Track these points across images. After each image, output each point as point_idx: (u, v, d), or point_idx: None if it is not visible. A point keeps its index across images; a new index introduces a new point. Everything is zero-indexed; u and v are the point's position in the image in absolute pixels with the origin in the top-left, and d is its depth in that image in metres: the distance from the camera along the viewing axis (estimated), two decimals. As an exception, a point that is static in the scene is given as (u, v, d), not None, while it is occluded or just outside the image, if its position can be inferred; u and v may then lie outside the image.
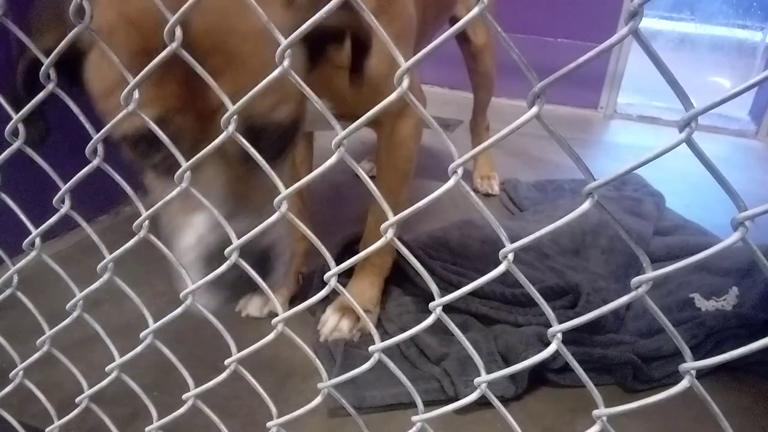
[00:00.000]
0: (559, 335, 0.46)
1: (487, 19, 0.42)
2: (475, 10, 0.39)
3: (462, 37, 1.65)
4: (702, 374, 1.02)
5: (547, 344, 0.46)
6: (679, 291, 1.24)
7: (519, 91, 2.65)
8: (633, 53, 2.72)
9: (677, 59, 4.05)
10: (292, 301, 1.26)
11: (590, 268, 1.33)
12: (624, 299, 0.42)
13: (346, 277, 1.22)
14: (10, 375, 0.77)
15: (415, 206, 0.46)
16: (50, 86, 0.56)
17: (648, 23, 4.31)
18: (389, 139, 1.06)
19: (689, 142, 0.37)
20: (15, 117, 0.60)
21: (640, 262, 0.41)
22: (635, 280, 0.41)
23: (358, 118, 0.45)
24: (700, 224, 1.61)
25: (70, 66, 0.62)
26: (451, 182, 0.43)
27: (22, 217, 0.65)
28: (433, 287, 0.49)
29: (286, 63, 0.45)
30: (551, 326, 0.46)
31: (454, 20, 1.47)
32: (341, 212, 1.70)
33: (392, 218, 0.47)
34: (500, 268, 0.44)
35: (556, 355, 0.46)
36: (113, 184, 0.57)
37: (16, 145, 0.61)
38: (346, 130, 0.46)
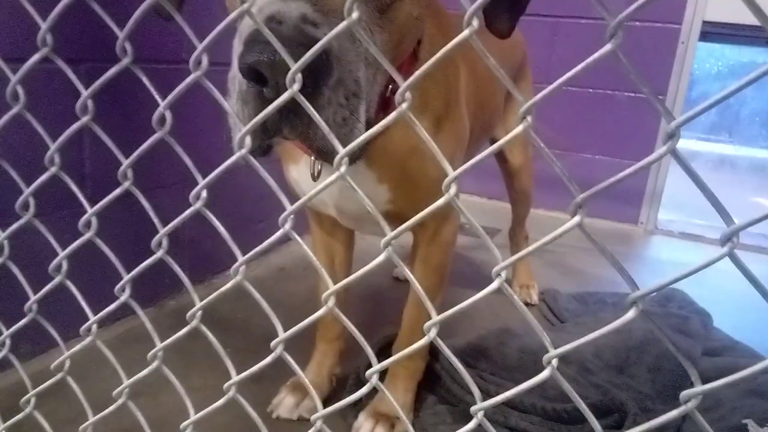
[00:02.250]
0: (606, 449, 0.45)
1: (530, 136, 0.45)
2: (519, 128, 0.43)
3: (501, 158, 1.74)
4: None
5: (593, 459, 0.44)
6: (732, 416, 1.17)
7: (556, 203, 2.69)
8: (672, 173, 2.75)
9: (717, 180, 4.06)
10: (325, 404, 1.23)
11: (636, 387, 1.27)
12: (673, 413, 0.41)
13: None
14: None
15: (458, 306, 0.47)
16: (128, 185, 0.61)
17: (686, 144, 4.39)
18: (430, 242, 1.09)
19: (732, 257, 0.38)
20: (90, 211, 0.66)
21: (690, 383, 0.40)
22: (684, 393, 0.40)
23: (403, 221, 0.48)
24: (750, 346, 1.54)
25: None
26: (495, 284, 0.44)
27: (83, 303, 0.68)
28: (475, 390, 0.49)
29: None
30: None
31: (493, 141, 1.55)
32: (377, 314, 1.70)
33: (435, 317, 0.49)
34: (544, 374, 0.44)
35: (603, 471, 0.44)
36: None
37: (87, 236, 0.66)
38: (395, 231, 0.49)
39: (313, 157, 0.91)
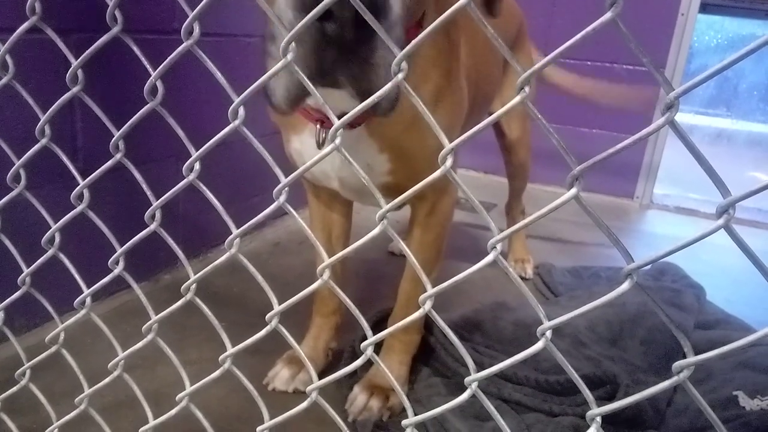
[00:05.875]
0: (599, 419, 0.45)
1: (528, 107, 0.45)
2: (517, 99, 0.42)
3: (498, 132, 1.73)
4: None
5: (585, 433, 0.45)
6: (723, 388, 1.18)
7: (553, 177, 2.69)
8: (668, 148, 2.74)
9: (714, 154, 4.04)
10: (320, 378, 1.24)
11: (628, 359, 1.29)
12: (665, 383, 0.41)
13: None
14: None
15: (453, 279, 0.47)
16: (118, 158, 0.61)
17: (683, 118, 4.37)
18: (427, 215, 1.09)
19: (728, 229, 0.38)
20: (82, 183, 0.65)
21: (682, 355, 0.41)
22: (677, 364, 0.40)
23: (400, 193, 0.48)
24: (743, 320, 1.56)
25: None
26: (490, 257, 0.44)
27: (76, 276, 0.68)
28: (469, 361, 0.49)
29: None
30: (588, 419, 0.45)
31: (491, 114, 1.54)
32: (373, 289, 1.71)
33: (431, 290, 0.49)
34: (538, 345, 0.44)
35: (596, 443, 0.44)
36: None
37: (80, 208, 0.66)
38: (391, 203, 0.48)
39: (318, 126, 0.91)
